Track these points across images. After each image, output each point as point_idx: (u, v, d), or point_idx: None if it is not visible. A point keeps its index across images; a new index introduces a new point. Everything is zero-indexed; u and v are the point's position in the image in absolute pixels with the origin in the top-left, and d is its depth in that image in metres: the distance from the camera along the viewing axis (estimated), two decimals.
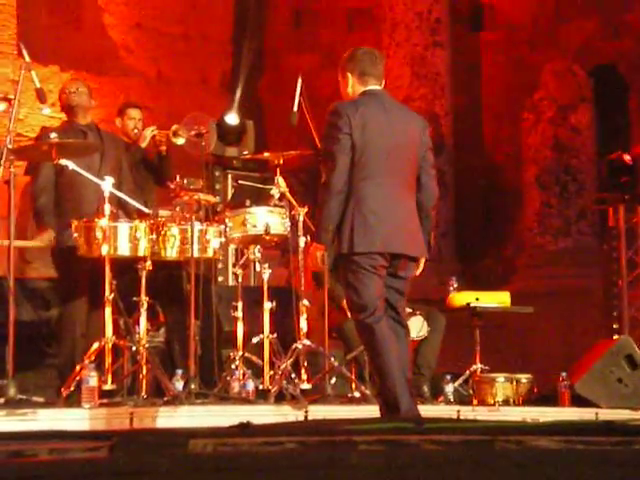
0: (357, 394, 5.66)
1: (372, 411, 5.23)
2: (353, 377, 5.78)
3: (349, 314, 4.62)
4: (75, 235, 5.32)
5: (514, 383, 6.03)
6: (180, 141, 5.84)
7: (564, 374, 6.09)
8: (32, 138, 6.56)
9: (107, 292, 5.22)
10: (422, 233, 4.47)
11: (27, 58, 5.06)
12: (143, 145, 5.91)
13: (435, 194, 4.54)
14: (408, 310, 6.08)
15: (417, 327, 6.08)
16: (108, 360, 5.19)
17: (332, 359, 5.66)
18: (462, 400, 6.06)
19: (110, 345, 5.21)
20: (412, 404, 4.24)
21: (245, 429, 2.38)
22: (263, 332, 5.64)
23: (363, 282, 4.34)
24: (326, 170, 4.39)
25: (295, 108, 5.71)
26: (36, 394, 5.09)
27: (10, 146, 4.86)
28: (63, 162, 5.20)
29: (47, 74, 6.75)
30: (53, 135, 5.14)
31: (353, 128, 4.31)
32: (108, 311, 5.23)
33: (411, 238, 4.43)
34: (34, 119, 6.44)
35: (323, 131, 4.52)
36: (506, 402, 5.96)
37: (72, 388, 5.05)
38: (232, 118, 7.96)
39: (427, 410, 5.30)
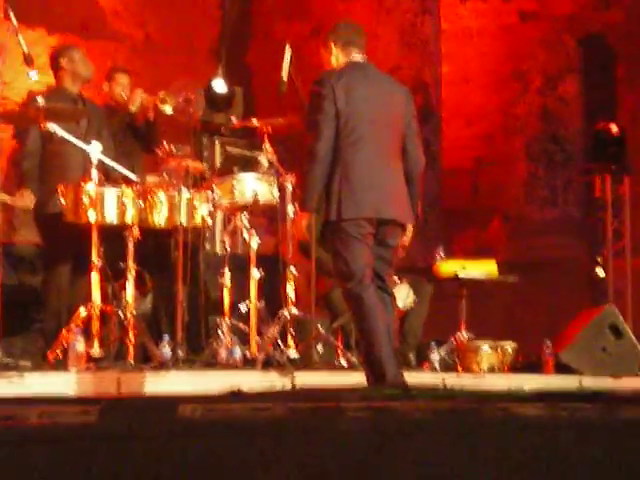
0: (343, 362, 5.69)
1: (358, 379, 5.26)
2: (340, 345, 5.80)
3: (336, 282, 4.61)
4: (61, 200, 5.30)
5: (499, 351, 6.07)
6: (168, 108, 5.81)
7: (549, 342, 6.14)
8: (18, 102, 6.53)
9: (94, 258, 5.22)
10: (409, 200, 4.49)
11: (14, 21, 5.02)
12: (133, 109, 5.87)
13: (421, 162, 4.56)
14: (395, 279, 6.12)
15: (404, 296, 6.10)
16: (95, 326, 5.20)
17: (319, 327, 5.68)
18: (447, 368, 6.10)
19: (97, 311, 5.22)
20: (398, 372, 4.27)
21: (235, 396, 2.40)
22: (250, 299, 5.65)
23: (351, 250, 4.36)
24: (310, 138, 4.42)
25: (284, 76, 5.68)
26: (23, 358, 5.10)
27: None
28: (50, 127, 5.18)
29: (34, 37, 6.69)
30: (40, 100, 5.10)
31: (337, 96, 4.34)
32: (95, 277, 5.23)
33: (398, 204, 4.45)
34: (21, 83, 6.38)
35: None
36: (491, 370, 6.01)
37: (59, 353, 5.06)
38: (220, 85, 7.92)
39: (412, 377, 5.33)
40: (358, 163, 4.36)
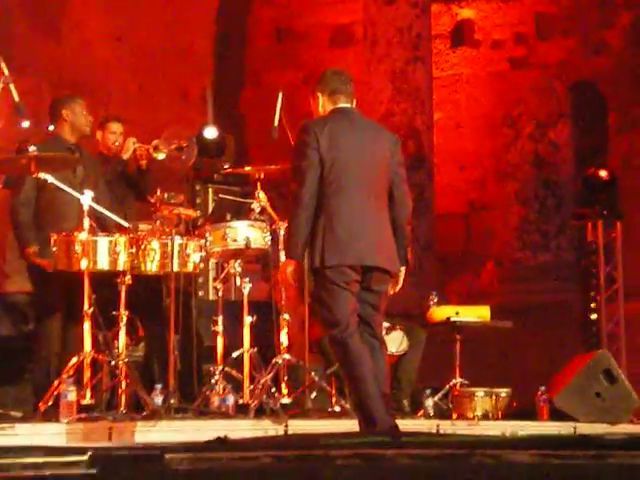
0: (337, 408, 5.66)
1: (352, 425, 5.22)
2: (333, 391, 5.77)
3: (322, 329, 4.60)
4: (54, 249, 5.30)
5: (493, 397, 6.05)
6: (161, 156, 5.84)
7: (543, 388, 6.11)
8: (11, 151, 6.54)
9: (86, 306, 5.21)
10: (396, 247, 4.49)
11: (6, 71, 5.05)
12: (125, 157, 5.90)
13: (408, 209, 4.57)
14: (387, 325, 6.12)
15: (397, 342, 6.09)
16: (87, 375, 5.17)
17: (312, 373, 5.66)
18: (442, 414, 6.07)
19: (89, 360, 5.19)
20: (388, 417, 4.25)
21: (222, 444, 2.38)
22: (243, 346, 5.64)
23: (335, 297, 4.36)
24: (295, 185, 4.42)
25: (276, 123, 5.73)
26: (15, 408, 5.06)
27: None
28: (42, 176, 5.19)
29: (26, 87, 6.72)
30: (32, 148, 5.13)
31: (321, 143, 4.36)
32: (87, 325, 5.21)
33: (383, 251, 4.46)
34: (13, 132, 6.41)
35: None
36: (485, 416, 5.98)
37: (50, 403, 5.03)
38: (211, 132, 7.96)
39: (407, 424, 5.30)
40: (342, 211, 4.37)
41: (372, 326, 4.44)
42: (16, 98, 5.07)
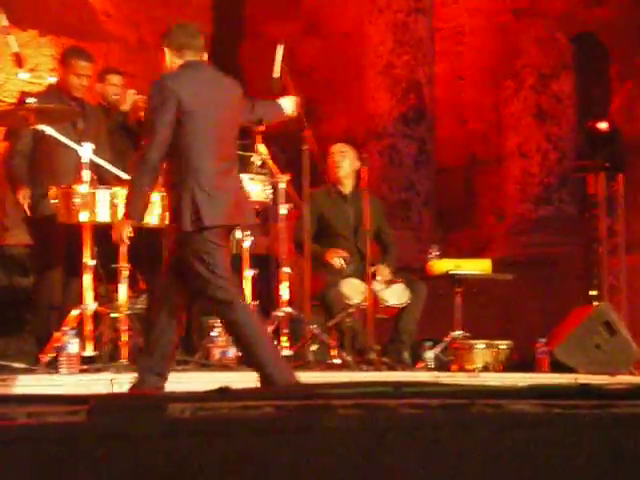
0: (338, 361, 5.69)
1: (352, 377, 5.26)
2: (334, 344, 5.79)
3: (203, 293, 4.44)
4: (53, 201, 5.28)
5: (493, 349, 6.06)
6: None
7: (543, 340, 6.13)
8: (11, 103, 6.50)
9: (87, 259, 5.21)
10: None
11: (5, 22, 5.01)
12: (124, 109, 5.85)
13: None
14: (389, 278, 6.12)
15: (399, 294, 6.09)
16: (88, 327, 5.18)
17: (313, 326, 5.68)
18: (442, 367, 6.09)
19: (90, 312, 5.21)
20: (288, 372, 4.29)
21: (224, 393, 2.38)
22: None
23: (217, 257, 4.29)
24: (145, 142, 4.35)
25: (276, 75, 5.67)
26: (16, 360, 5.08)
27: None
28: (40, 127, 5.16)
29: (25, 39, 6.67)
30: (31, 100, 5.09)
31: (177, 99, 4.26)
32: (88, 278, 5.21)
33: (245, 208, 4.48)
34: (13, 84, 6.37)
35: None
36: (485, 368, 5.99)
37: (52, 355, 5.05)
38: None
39: (406, 376, 5.33)
40: (207, 168, 4.28)
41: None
42: (15, 49, 5.03)
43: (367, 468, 2.35)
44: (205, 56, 4.51)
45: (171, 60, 4.43)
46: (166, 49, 4.45)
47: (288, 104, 4.86)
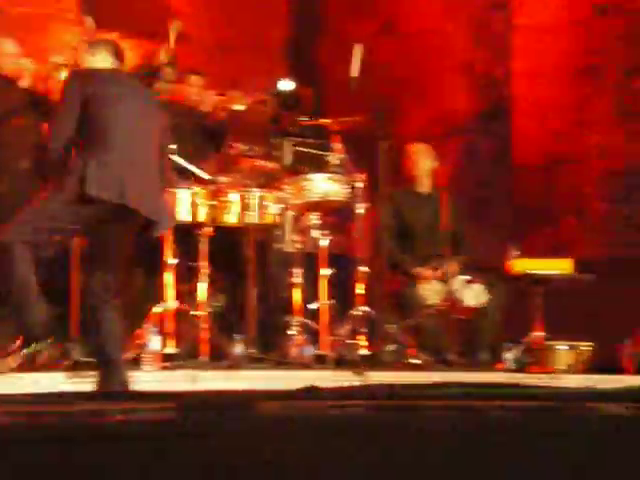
0: (415, 361, 5.66)
1: (430, 378, 5.23)
2: (411, 344, 5.76)
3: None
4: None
5: (574, 351, 5.97)
6: (239, 107, 5.83)
7: (628, 342, 6.01)
8: None
9: (168, 258, 5.27)
10: None
11: (90, 25, 5.10)
12: (204, 110, 5.91)
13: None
14: (468, 277, 6.07)
15: (477, 295, 6.04)
16: (170, 325, 5.25)
17: (390, 326, 5.66)
18: (521, 368, 6.02)
19: (171, 310, 5.28)
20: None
21: (311, 392, 2.39)
22: (321, 298, 5.65)
23: None
24: (48, 134, 4.46)
25: (354, 74, 5.67)
26: None
27: None
28: None
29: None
30: None
31: (82, 95, 4.27)
32: (169, 276, 5.28)
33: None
34: None
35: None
36: (567, 370, 5.90)
37: (134, 352, 5.12)
38: (289, 84, 7.93)
39: (487, 377, 5.28)
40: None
41: None
42: None
43: (455, 469, 2.33)
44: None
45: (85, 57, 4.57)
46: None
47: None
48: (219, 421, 2.14)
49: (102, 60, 4.43)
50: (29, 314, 4.20)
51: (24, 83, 5.66)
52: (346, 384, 4.91)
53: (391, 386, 3.40)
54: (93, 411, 2.18)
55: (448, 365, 5.66)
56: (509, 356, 5.96)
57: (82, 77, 4.41)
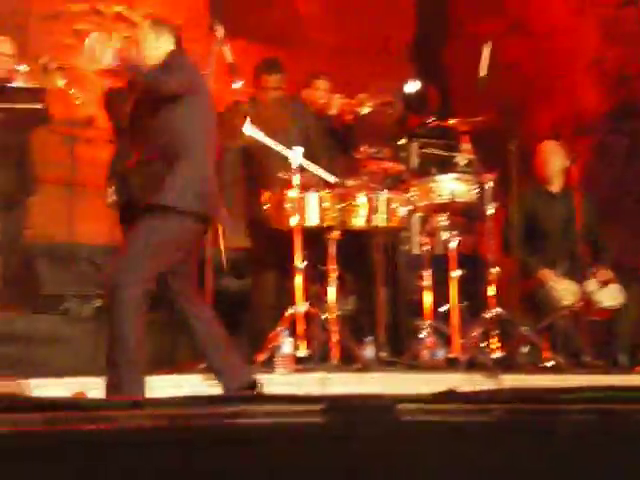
0: (550, 363, 5.56)
1: (566, 380, 5.13)
2: (546, 346, 5.67)
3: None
4: (266, 206, 5.44)
5: None
6: (365, 110, 5.84)
7: None
8: (221, 112, 6.73)
9: (298, 261, 5.33)
10: None
11: (221, 33, 5.19)
12: (331, 113, 5.95)
13: None
14: (604, 278, 5.91)
15: (614, 295, 5.89)
16: (300, 328, 5.30)
17: (524, 328, 5.57)
18: None
19: (302, 313, 5.33)
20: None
21: (451, 395, 2.38)
22: (450, 300, 5.62)
23: None
24: None
25: (483, 73, 5.62)
26: None
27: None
28: (252, 133, 5.33)
29: (236, 48, 6.89)
30: (244, 108, 5.26)
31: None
32: (299, 280, 5.34)
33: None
34: (225, 93, 6.58)
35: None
36: None
37: (266, 354, 5.19)
38: (415, 86, 7.91)
39: (625, 380, 5.15)
40: None
41: None
42: (230, 59, 5.22)
43: (600, 473, 2.28)
44: None
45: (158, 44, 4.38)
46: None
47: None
48: (363, 424, 2.15)
49: (165, 43, 4.37)
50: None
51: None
52: (480, 387, 4.89)
53: (532, 390, 3.35)
54: (234, 413, 2.22)
55: (584, 367, 5.53)
56: None
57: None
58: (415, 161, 7.56)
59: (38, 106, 4.66)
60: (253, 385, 4.13)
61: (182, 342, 5.09)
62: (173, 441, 1.99)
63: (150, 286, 3.94)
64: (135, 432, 1.87)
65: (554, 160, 6.15)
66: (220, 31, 5.21)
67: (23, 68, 5.46)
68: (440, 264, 5.89)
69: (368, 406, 2.14)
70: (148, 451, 1.91)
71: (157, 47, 4.32)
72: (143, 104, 4.16)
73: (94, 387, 4.03)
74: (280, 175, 5.44)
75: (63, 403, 1.89)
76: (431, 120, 7.39)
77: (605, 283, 5.90)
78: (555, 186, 6.19)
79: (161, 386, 4.25)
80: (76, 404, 2.05)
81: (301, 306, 5.33)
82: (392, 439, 2.20)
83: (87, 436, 1.75)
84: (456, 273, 5.64)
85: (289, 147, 5.40)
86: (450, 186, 5.65)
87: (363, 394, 3.05)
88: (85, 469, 1.74)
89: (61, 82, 5.54)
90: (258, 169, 5.71)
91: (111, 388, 3.83)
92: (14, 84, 5.26)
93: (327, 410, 2.10)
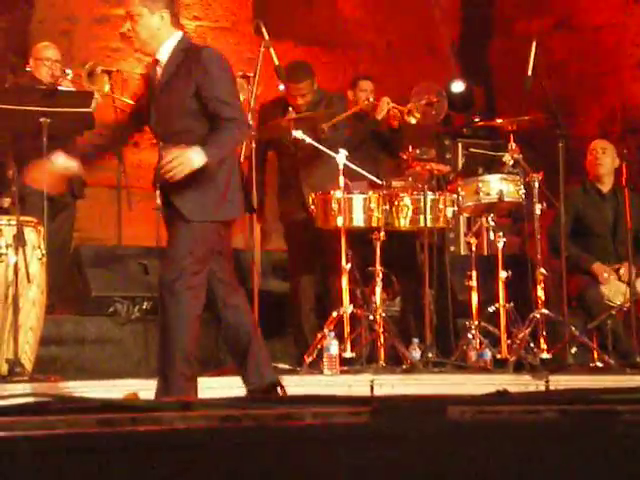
0: (600, 364, 5.50)
1: (616, 381, 5.07)
2: (595, 346, 5.61)
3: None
4: (312, 207, 5.46)
5: None
6: (413, 120, 5.80)
7: None
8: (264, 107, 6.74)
9: (343, 262, 5.33)
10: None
11: (266, 36, 5.21)
12: (379, 117, 5.93)
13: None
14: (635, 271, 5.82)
15: None
16: (347, 329, 5.30)
17: (572, 328, 5.52)
18: None
19: (348, 314, 5.33)
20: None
21: (503, 396, 2.36)
22: (498, 301, 5.58)
23: None
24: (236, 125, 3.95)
25: (529, 72, 5.57)
26: (281, 361, 5.27)
27: (250, 123, 5.02)
28: (299, 135, 5.35)
29: (281, 51, 6.91)
30: (291, 111, 5.29)
31: None
32: (345, 281, 5.34)
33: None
34: (270, 96, 6.60)
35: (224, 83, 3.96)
36: None
37: (313, 356, 5.20)
38: (459, 86, 7.88)
39: None
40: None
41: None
42: (276, 62, 5.23)
43: None
44: None
45: (165, 26, 3.97)
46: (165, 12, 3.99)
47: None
48: (412, 425, 2.14)
49: (164, 22, 3.91)
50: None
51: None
52: (528, 389, 4.85)
53: (582, 391, 3.32)
54: (285, 414, 2.22)
55: (634, 368, 5.46)
56: None
57: None
58: (460, 161, 7.53)
59: (85, 110, 4.70)
60: (274, 386, 4.00)
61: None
62: (223, 442, 2.00)
63: (199, 284, 3.92)
64: (185, 433, 1.88)
65: (604, 159, 6.08)
66: (265, 34, 5.23)
67: (68, 73, 5.53)
68: (487, 265, 5.85)
69: (418, 407, 2.13)
70: (198, 453, 1.92)
71: (157, 28, 3.92)
72: (179, 109, 3.99)
73: (143, 388, 4.06)
74: (325, 177, 5.45)
75: (116, 405, 1.92)
76: (477, 120, 7.36)
77: None
78: (605, 185, 6.12)
79: (210, 387, 4.27)
80: (128, 406, 2.06)
81: (347, 307, 5.33)
82: (442, 441, 2.19)
83: (139, 437, 1.76)
84: (503, 274, 5.60)
85: (335, 149, 5.40)
86: (497, 186, 5.61)
87: (412, 395, 3.04)
88: (137, 471, 1.75)
89: (107, 87, 5.60)
90: (302, 171, 5.72)
91: (163, 390, 3.84)
92: (61, 88, 5.32)
93: (376, 411, 2.10)
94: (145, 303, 5.39)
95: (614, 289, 5.81)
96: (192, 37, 4.63)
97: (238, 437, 2.03)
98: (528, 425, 2.23)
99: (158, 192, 4.10)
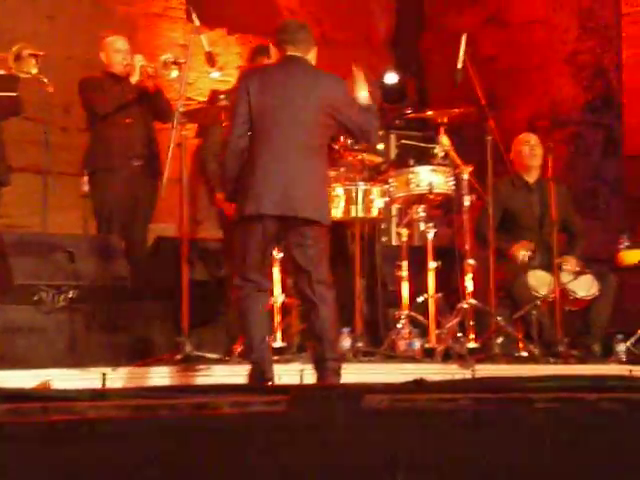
0: (524, 354, 5.59)
1: (540, 370, 5.17)
2: (520, 336, 5.70)
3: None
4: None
5: None
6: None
7: None
8: (201, 102, 6.72)
9: (274, 252, 5.32)
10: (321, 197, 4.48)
11: (197, 22, 5.18)
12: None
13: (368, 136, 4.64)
14: (577, 269, 5.96)
15: (587, 286, 5.93)
16: (277, 318, 5.31)
17: (499, 318, 5.60)
18: (634, 360, 5.89)
19: (279, 304, 5.33)
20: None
21: (420, 385, 2.39)
22: (427, 291, 5.63)
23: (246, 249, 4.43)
24: (225, 130, 4.54)
25: (459, 66, 5.63)
26: (210, 351, 5.25)
27: (182, 110, 4.99)
28: None
29: (214, 37, 6.87)
30: (223, 97, 5.25)
31: (250, 91, 4.37)
32: (276, 270, 5.33)
33: (309, 201, 4.39)
34: (202, 83, 6.58)
35: None
36: None
37: (244, 345, 5.18)
38: (392, 77, 7.92)
39: (598, 369, 5.19)
40: (262, 157, 4.35)
41: (307, 281, 4.46)
42: (207, 48, 5.20)
43: (565, 463, 2.30)
44: (312, 50, 4.53)
45: (275, 55, 4.57)
46: (271, 45, 4.62)
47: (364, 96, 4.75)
48: (328, 414, 2.17)
49: (289, 51, 4.50)
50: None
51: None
52: (455, 377, 4.92)
53: (499, 379, 3.38)
54: (201, 404, 2.23)
55: (558, 357, 5.57)
56: (621, 348, 5.84)
57: (248, 75, 4.57)
58: (393, 152, 7.57)
59: (10, 94, 4.63)
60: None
61: None
62: (137, 432, 2.00)
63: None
64: (98, 423, 1.88)
65: (530, 152, 6.18)
66: (196, 20, 5.19)
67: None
68: (418, 255, 5.90)
69: (335, 396, 2.15)
70: (111, 442, 1.92)
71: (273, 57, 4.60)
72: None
73: (65, 378, 4.02)
74: None
75: (27, 394, 1.90)
76: (409, 111, 7.41)
77: (576, 274, 5.94)
78: (531, 177, 6.22)
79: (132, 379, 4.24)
80: (39, 395, 2.05)
81: (278, 297, 5.33)
82: (358, 429, 2.22)
83: (50, 427, 1.75)
84: (433, 264, 5.66)
85: None
86: (427, 178, 5.65)
87: (329, 384, 3.06)
88: (48, 459, 1.75)
89: (34, 70, 5.47)
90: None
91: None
92: None
93: (292, 400, 2.11)
94: (71, 292, 5.32)
95: (540, 280, 5.92)
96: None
97: (152, 427, 2.03)
98: (444, 413, 2.26)
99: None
